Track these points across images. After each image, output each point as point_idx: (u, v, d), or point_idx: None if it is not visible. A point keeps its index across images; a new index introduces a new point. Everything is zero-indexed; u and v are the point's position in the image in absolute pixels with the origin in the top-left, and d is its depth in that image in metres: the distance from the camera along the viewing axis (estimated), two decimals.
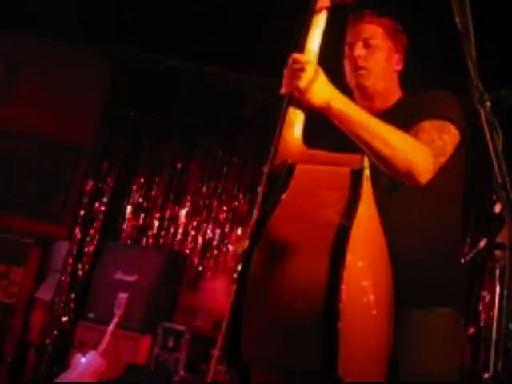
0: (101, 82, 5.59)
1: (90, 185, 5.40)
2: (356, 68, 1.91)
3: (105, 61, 5.60)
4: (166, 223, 5.49)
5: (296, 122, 1.57)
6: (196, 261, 5.41)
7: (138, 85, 5.61)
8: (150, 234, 5.45)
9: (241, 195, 5.60)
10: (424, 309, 1.64)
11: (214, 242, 5.49)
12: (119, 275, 4.76)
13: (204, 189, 5.58)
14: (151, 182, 5.53)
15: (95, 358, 4.30)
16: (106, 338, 4.35)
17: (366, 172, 1.42)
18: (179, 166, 5.58)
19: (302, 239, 1.29)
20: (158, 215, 5.48)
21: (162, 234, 5.46)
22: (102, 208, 5.41)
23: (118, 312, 4.46)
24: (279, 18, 4.58)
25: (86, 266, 5.26)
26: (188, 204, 5.53)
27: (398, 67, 2.00)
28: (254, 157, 5.65)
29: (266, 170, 1.52)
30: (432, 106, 1.76)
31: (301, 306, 1.18)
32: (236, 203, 5.58)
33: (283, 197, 1.40)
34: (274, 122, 5.27)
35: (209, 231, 5.51)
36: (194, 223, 5.51)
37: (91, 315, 4.75)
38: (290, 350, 1.18)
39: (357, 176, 1.41)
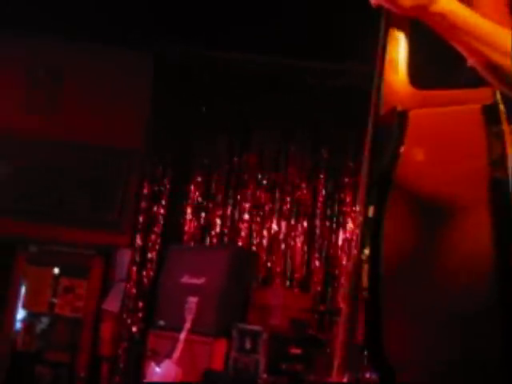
0: (146, 81, 5.39)
1: (146, 189, 5.21)
2: None
3: (148, 60, 5.41)
4: (228, 220, 5.25)
5: (399, 61, 1.27)
6: (264, 257, 5.15)
7: (184, 81, 5.41)
8: (212, 233, 5.23)
9: (303, 184, 5.31)
10: None
11: (281, 236, 5.23)
12: (186, 279, 4.54)
13: (264, 181, 5.32)
14: (209, 180, 5.31)
15: (170, 366, 4.11)
16: (180, 346, 4.14)
17: (501, 107, 1.12)
18: (236, 160, 5.34)
19: (445, 198, 0.99)
20: (219, 213, 5.25)
21: (226, 231, 5.23)
22: (161, 211, 5.21)
23: (189, 317, 4.24)
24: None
25: (151, 273, 5.07)
26: (249, 198, 5.28)
27: None
28: (312, 142, 5.38)
29: (370, 122, 1.23)
30: None
31: (464, 281, 0.88)
32: (299, 193, 5.30)
33: (401, 150, 1.11)
34: (329, 103, 4.92)
35: (274, 225, 5.24)
36: (258, 218, 5.26)
37: (162, 323, 4.55)
38: (457, 343, 0.88)
39: (493, 112, 1.10)
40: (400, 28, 1.30)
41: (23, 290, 5.33)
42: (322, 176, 5.32)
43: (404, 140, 1.14)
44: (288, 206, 5.29)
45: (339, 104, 5.29)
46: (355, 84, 5.21)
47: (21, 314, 5.32)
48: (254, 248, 5.18)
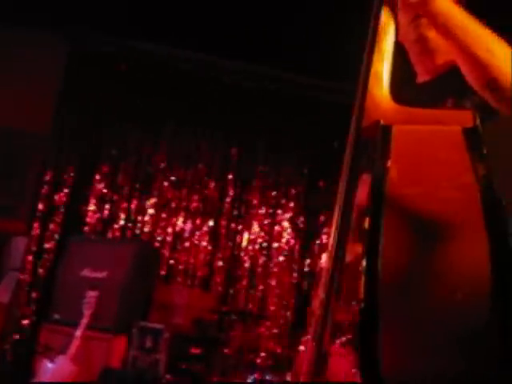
0: (58, 65, 5.13)
1: (49, 175, 4.95)
2: (416, 16, 1.61)
3: (62, 44, 5.15)
4: (132, 214, 5.11)
5: (383, 75, 1.28)
6: (167, 254, 5.06)
7: (98, 69, 5.20)
8: (116, 226, 5.06)
9: (212, 183, 5.28)
10: None
11: (186, 234, 5.16)
12: (86, 272, 4.36)
13: (172, 177, 5.23)
14: (116, 171, 5.14)
15: (64, 363, 3.91)
16: (76, 341, 3.96)
17: (481, 131, 1.16)
18: (145, 153, 5.22)
19: (437, 217, 1.01)
20: (124, 206, 5.09)
21: (129, 226, 5.08)
22: (63, 200, 4.97)
23: (87, 312, 4.07)
24: None
25: (48, 264, 4.82)
26: (156, 193, 5.18)
27: None
28: (224, 141, 5.37)
29: (352, 133, 1.22)
30: None
31: (461, 299, 0.90)
32: (207, 191, 5.26)
33: (389, 165, 1.11)
34: (243, 105, 4.93)
35: (179, 222, 5.17)
36: (163, 214, 5.16)
37: (56, 317, 4.33)
38: (453, 359, 0.89)
39: (474, 134, 1.14)
40: (387, 39, 1.32)
41: None
42: (230, 176, 5.32)
43: (390, 154, 1.15)
44: (195, 203, 5.23)
45: (253, 106, 5.32)
46: (271, 87, 5.27)
47: None
48: (157, 244, 5.07)
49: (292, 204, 5.40)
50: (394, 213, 1.03)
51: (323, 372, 1.13)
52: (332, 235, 1.19)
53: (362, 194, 1.25)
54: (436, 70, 1.69)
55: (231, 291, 5.08)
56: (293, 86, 5.28)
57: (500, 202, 0.99)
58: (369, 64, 1.27)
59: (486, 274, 0.91)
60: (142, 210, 5.14)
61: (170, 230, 5.15)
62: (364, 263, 0.97)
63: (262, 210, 5.33)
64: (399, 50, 1.62)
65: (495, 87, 1.34)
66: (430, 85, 1.69)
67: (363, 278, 0.96)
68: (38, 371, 4.01)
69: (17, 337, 4.64)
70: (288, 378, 3.63)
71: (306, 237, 5.31)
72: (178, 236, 5.16)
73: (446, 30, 1.34)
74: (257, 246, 5.24)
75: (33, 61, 5.03)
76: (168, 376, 3.82)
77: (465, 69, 1.38)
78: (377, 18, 1.28)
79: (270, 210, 5.33)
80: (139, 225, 5.11)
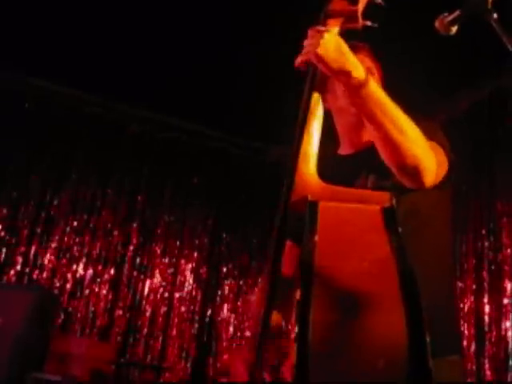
0: None
1: None
2: None
3: None
4: (31, 259, 4.95)
5: (311, 155, 1.40)
6: (65, 301, 4.92)
7: (3, 106, 5.07)
8: (12, 271, 4.88)
9: (116, 231, 5.24)
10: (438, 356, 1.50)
11: (86, 281, 5.05)
12: None
13: (75, 222, 5.14)
14: (15, 214, 4.98)
15: None
16: None
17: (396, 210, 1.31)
18: (48, 197, 5.10)
19: (359, 289, 1.12)
20: (22, 250, 4.93)
21: (27, 271, 4.91)
22: None
23: None
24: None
25: None
26: (57, 238, 5.05)
27: None
28: (130, 189, 5.36)
29: (281, 206, 1.33)
30: (425, 133, 1.67)
31: (382, 367, 1.00)
32: (110, 239, 5.21)
33: (316, 239, 1.22)
34: (149, 153, 4.96)
35: (80, 269, 5.06)
36: (64, 260, 5.04)
37: None
38: None
39: (390, 214, 1.28)
40: (316, 118, 1.45)
41: None
42: (135, 225, 5.30)
43: (317, 229, 1.26)
44: (97, 250, 5.15)
45: (161, 155, 5.39)
46: (180, 138, 5.37)
47: None
48: (55, 291, 4.93)
49: (195, 254, 5.45)
50: (321, 283, 1.13)
51: None
52: (264, 301, 1.28)
53: (287, 265, 1.36)
54: (361, 145, 1.80)
55: (131, 341, 5.01)
56: (202, 138, 5.41)
57: (413, 273, 1.12)
58: (299, 145, 1.40)
59: (403, 343, 1.03)
60: (41, 255, 4.98)
61: (69, 276, 5.03)
62: (296, 330, 1.06)
63: (165, 260, 5.34)
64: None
65: (404, 169, 1.48)
66: (353, 159, 1.80)
67: (296, 344, 1.05)
68: None
69: None
70: None
71: (208, 287, 5.36)
72: (78, 283, 5.04)
73: (372, 113, 1.44)
74: (158, 296, 5.22)
75: None
76: None
77: (380, 150, 1.51)
78: (307, 102, 1.41)
79: (173, 260, 5.35)
80: (37, 270, 4.95)
